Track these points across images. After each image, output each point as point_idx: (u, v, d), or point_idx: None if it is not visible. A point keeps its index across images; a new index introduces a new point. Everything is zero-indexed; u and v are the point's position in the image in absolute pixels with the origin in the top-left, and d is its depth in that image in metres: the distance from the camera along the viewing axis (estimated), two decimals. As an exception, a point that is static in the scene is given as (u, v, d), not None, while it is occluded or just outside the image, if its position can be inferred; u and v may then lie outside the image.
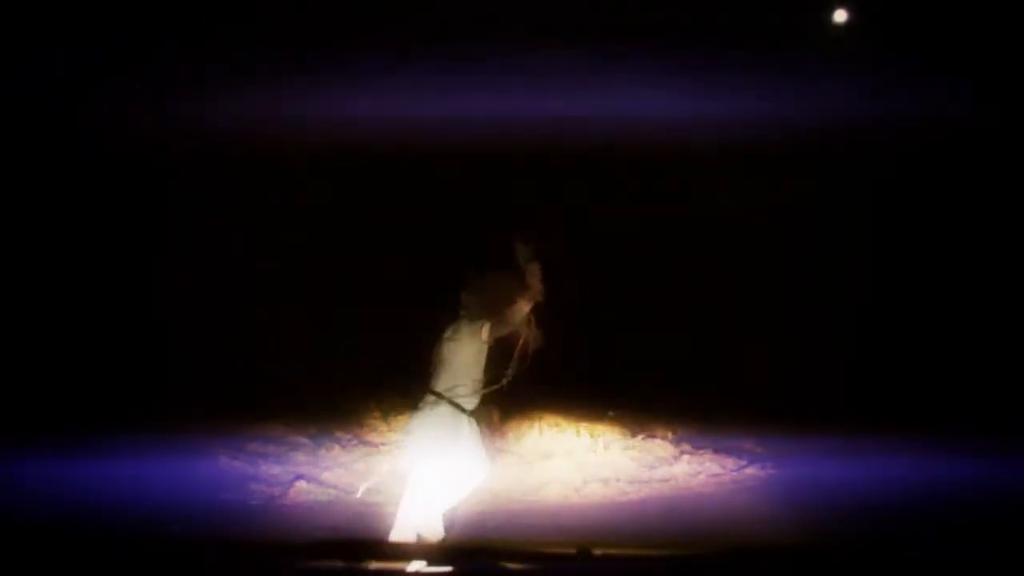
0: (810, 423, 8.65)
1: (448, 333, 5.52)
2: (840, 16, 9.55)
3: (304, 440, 8.86)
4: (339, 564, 3.53)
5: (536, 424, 9.34)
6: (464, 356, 5.46)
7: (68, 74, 9.11)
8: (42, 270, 9.62)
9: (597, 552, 5.55)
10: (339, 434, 9.07)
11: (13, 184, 9.52)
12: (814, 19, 9.65)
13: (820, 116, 9.35)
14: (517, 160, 10.21)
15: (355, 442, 8.95)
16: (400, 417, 9.47)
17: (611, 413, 9.72)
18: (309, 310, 10.53)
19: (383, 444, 8.92)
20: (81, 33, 9.18)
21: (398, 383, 9.89)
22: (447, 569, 3.97)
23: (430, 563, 4.21)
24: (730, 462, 8.55)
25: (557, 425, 9.38)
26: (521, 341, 5.63)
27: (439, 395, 5.43)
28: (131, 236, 10.18)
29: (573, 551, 5.57)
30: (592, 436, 9.12)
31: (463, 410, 5.45)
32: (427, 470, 5.44)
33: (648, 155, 10.28)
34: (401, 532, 5.46)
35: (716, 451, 8.73)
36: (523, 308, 5.48)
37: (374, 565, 3.68)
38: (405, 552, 4.40)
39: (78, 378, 9.13)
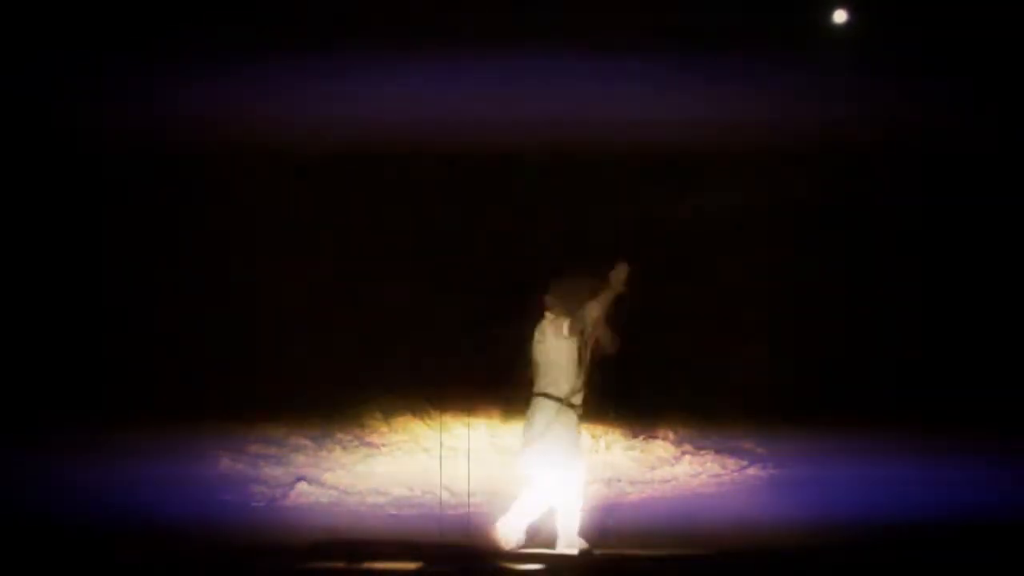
0: (811, 424, 8.65)
1: (538, 335, 5.71)
2: (840, 16, 9.55)
3: (305, 442, 8.87)
4: (339, 565, 3.54)
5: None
6: (556, 355, 5.65)
7: (66, 74, 9.13)
8: (43, 269, 9.62)
9: (598, 552, 5.58)
10: (340, 435, 9.07)
11: (11, 183, 9.53)
12: (814, 19, 9.66)
13: (819, 116, 9.36)
14: (510, 161, 10.20)
15: (356, 443, 8.95)
16: (400, 418, 9.49)
17: (612, 414, 9.72)
18: (310, 311, 10.53)
19: (384, 445, 8.93)
20: (79, 32, 9.20)
21: (399, 384, 9.95)
22: (448, 569, 3.98)
23: (430, 564, 4.21)
24: (731, 462, 8.55)
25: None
26: (593, 343, 5.78)
27: (545, 395, 5.64)
28: (134, 236, 10.17)
29: (574, 551, 5.59)
30: (593, 436, 9.12)
31: (571, 406, 5.63)
32: (545, 467, 5.60)
33: (649, 156, 10.29)
34: (511, 527, 5.67)
35: (717, 452, 8.74)
36: (596, 308, 5.63)
37: (374, 566, 3.68)
38: (405, 553, 4.40)
39: (79, 378, 9.13)
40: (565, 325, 5.61)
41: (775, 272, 10.51)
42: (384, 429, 9.37)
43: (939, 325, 9.93)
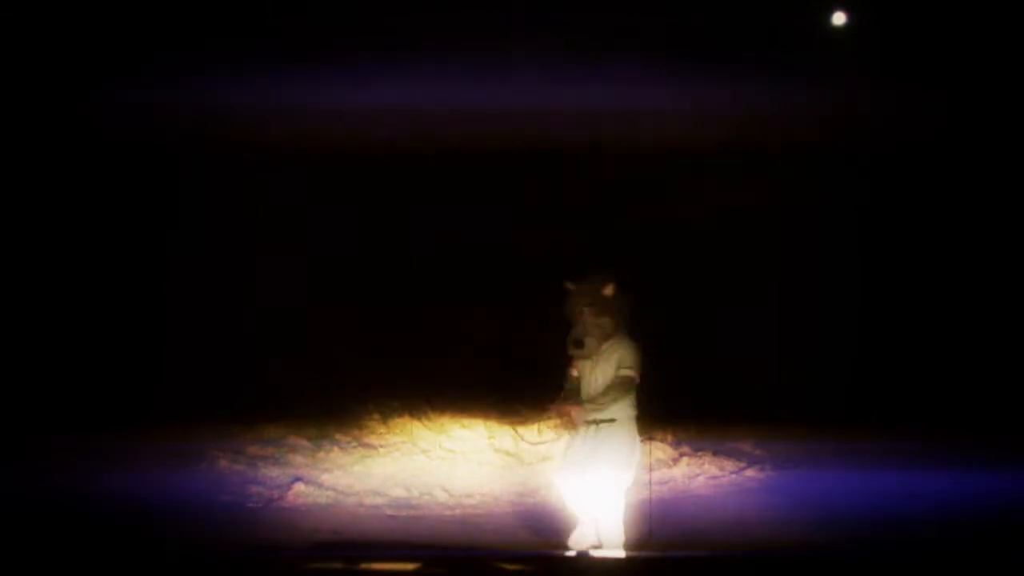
0: (809, 425, 8.65)
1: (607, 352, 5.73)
2: (839, 18, 9.55)
3: (303, 442, 8.86)
4: (337, 566, 3.54)
5: (536, 426, 9.33)
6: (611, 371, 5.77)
7: (66, 73, 9.14)
8: (41, 271, 9.62)
9: (596, 553, 5.57)
10: (338, 436, 9.06)
11: (10, 183, 9.54)
12: (814, 19, 9.67)
13: (819, 115, 9.37)
14: (509, 156, 10.18)
15: (354, 444, 8.94)
16: (399, 419, 9.47)
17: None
18: (309, 311, 10.52)
19: (382, 446, 8.92)
20: (80, 32, 9.21)
21: (397, 385, 9.94)
22: (445, 571, 3.98)
23: (427, 565, 4.21)
24: (729, 464, 8.53)
25: (556, 427, 9.38)
26: None
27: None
28: (131, 237, 10.17)
29: (572, 552, 5.59)
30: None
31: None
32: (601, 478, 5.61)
33: (650, 155, 10.29)
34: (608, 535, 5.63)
35: (715, 453, 8.72)
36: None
37: (372, 567, 3.68)
38: (403, 554, 4.41)
39: (77, 381, 9.13)
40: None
41: (774, 272, 10.50)
42: (382, 430, 9.35)
43: (938, 327, 9.93)
